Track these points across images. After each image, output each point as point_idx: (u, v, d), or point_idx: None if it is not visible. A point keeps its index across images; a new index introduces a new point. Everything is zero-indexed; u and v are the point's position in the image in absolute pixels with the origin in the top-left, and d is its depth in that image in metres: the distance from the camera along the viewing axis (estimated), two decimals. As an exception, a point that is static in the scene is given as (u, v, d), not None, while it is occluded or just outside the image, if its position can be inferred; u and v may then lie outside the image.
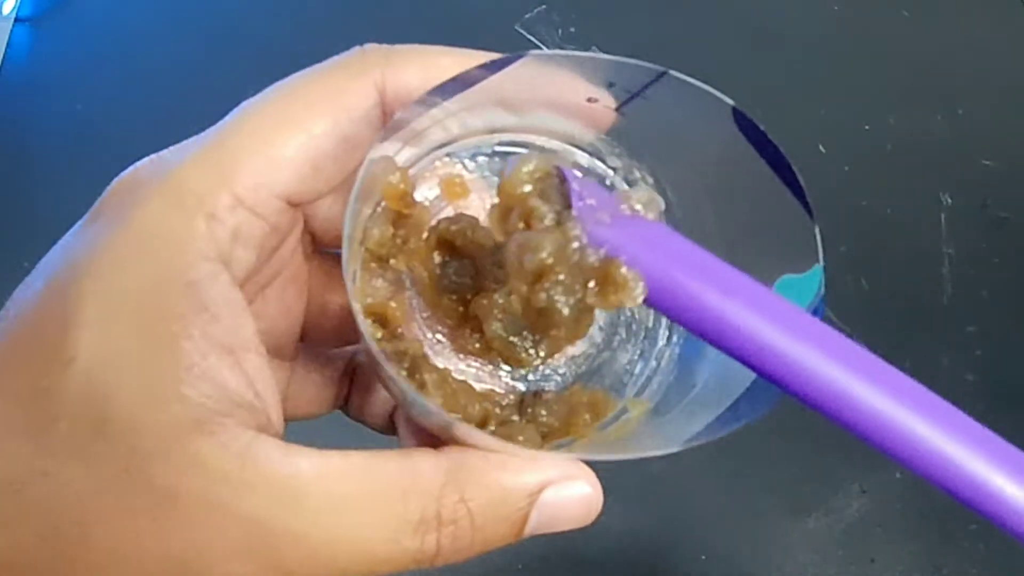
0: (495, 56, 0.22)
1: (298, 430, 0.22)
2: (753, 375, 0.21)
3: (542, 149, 0.25)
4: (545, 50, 0.22)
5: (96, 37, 0.60)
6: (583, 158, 0.26)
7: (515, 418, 0.25)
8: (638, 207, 0.22)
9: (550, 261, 0.20)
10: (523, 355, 0.24)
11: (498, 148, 0.25)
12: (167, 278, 0.19)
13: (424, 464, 0.20)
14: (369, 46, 0.23)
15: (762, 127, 0.21)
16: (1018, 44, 0.66)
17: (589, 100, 0.23)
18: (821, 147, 0.60)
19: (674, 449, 0.20)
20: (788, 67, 0.63)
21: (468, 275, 0.25)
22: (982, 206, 0.59)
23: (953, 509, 0.57)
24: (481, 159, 0.26)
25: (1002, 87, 0.64)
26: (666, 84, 0.21)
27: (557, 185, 0.22)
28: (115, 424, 0.18)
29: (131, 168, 0.21)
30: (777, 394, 0.20)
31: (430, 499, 0.20)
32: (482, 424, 0.24)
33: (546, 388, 0.26)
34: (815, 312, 0.21)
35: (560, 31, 0.64)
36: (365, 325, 0.21)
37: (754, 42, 0.63)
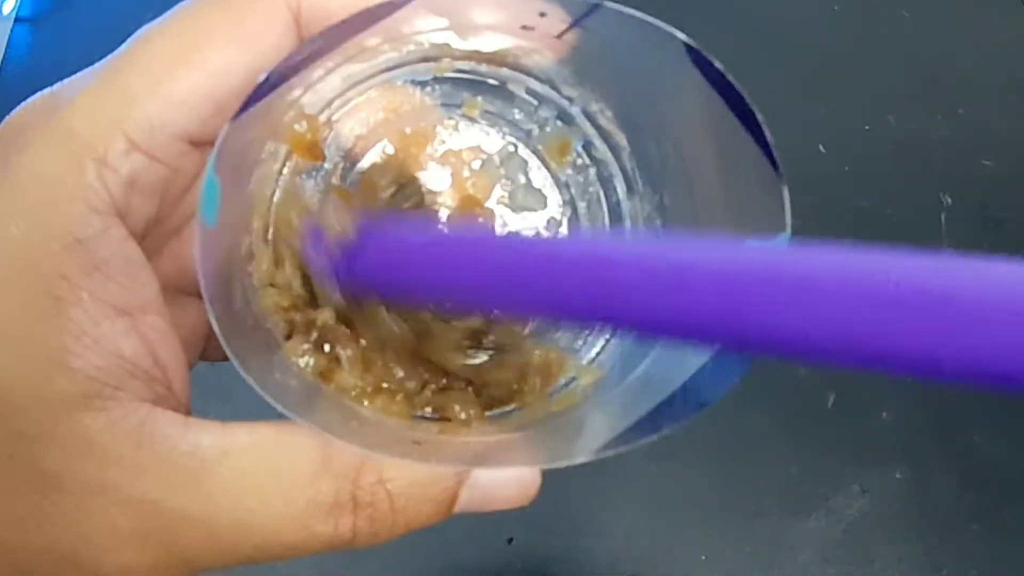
0: None
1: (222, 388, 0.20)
2: (697, 361, 0.19)
3: (486, 77, 0.24)
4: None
5: (96, 37, 0.60)
6: (536, 85, 0.24)
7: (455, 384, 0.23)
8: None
9: None
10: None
11: (438, 75, 0.24)
12: (52, 235, 0.17)
13: (339, 440, 0.18)
14: None
15: (721, 67, 0.19)
16: (1018, 44, 0.66)
17: (524, 27, 0.21)
18: (821, 147, 0.60)
19: (585, 458, 0.18)
20: (788, 67, 0.63)
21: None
22: (982, 206, 0.59)
23: (953, 509, 0.57)
24: (414, 87, 0.24)
25: (1002, 87, 0.64)
26: (606, 16, 0.20)
27: None
28: None
29: (20, 106, 0.19)
30: (726, 375, 0.18)
31: (344, 480, 0.18)
32: (419, 390, 0.22)
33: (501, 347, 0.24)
34: None
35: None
36: (214, 319, 0.18)
37: (754, 42, 0.63)
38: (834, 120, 0.61)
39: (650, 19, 0.19)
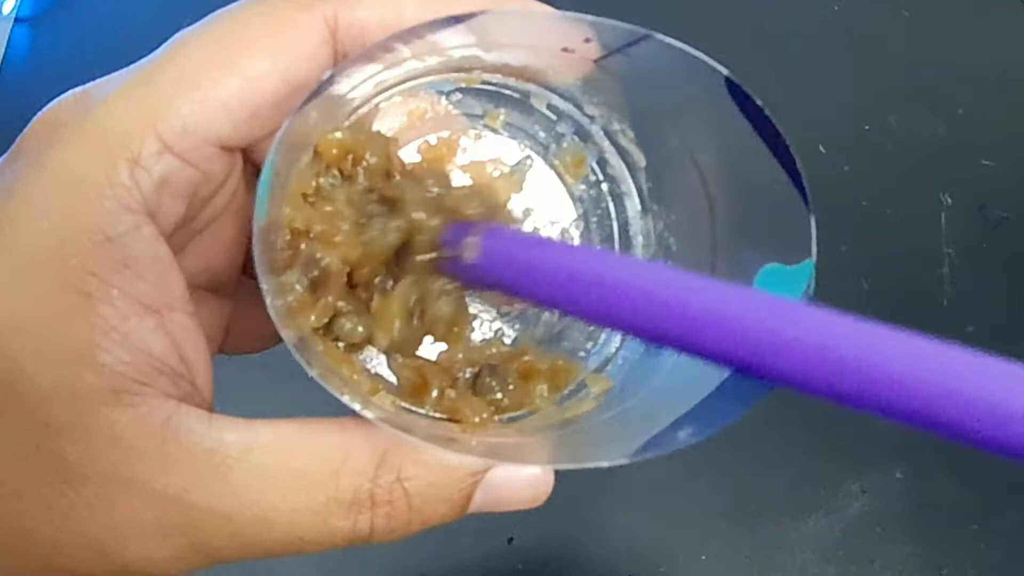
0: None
1: (240, 387, 0.21)
2: (720, 372, 0.19)
3: (509, 90, 0.24)
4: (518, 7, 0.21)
5: (96, 37, 0.60)
6: (558, 101, 0.24)
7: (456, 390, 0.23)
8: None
9: None
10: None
11: (463, 87, 0.24)
12: (84, 231, 0.18)
13: (358, 439, 0.19)
14: None
15: (759, 101, 0.20)
16: (1018, 44, 0.66)
17: (564, 50, 0.21)
18: (821, 147, 0.60)
19: (622, 461, 0.18)
20: (788, 66, 0.63)
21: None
22: (982, 206, 0.59)
23: (953, 509, 0.57)
24: (439, 96, 0.24)
25: (1002, 87, 0.64)
26: (651, 46, 0.20)
27: None
28: (26, 396, 0.17)
29: (53, 103, 0.19)
30: (741, 394, 0.18)
31: (363, 478, 0.19)
32: (422, 390, 0.23)
33: (503, 340, 0.24)
34: None
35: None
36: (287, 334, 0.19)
37: (754, 41, 0.63)
38: (834, 120, 0.61)
39: (694, 52, 0.20)
